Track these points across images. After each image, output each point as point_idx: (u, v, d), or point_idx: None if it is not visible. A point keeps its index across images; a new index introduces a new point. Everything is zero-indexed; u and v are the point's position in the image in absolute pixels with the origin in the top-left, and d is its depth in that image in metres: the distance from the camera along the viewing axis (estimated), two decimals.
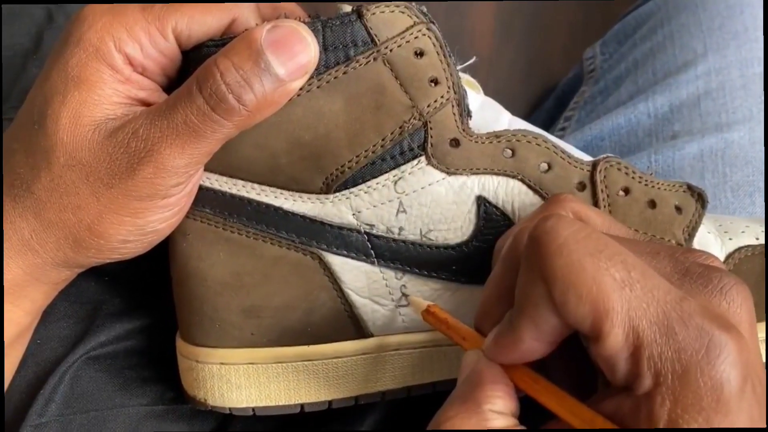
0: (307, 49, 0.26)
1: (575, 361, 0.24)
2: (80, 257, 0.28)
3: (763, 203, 0.37)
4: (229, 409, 0.30)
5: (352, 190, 0.29)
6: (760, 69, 0.42)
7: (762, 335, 0.30)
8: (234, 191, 0.29)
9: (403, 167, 0.29)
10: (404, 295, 0.30)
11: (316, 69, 0.27)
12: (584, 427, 0.21)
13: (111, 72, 0.26)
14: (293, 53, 0.26)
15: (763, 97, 0.40)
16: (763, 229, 0.31)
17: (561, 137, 0.40)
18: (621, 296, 0.20)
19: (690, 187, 0.30)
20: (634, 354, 0.20)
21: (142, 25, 0.27)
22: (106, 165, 0.26)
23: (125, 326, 0.33)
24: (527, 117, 0.54)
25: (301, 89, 0.27)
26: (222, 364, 0.30)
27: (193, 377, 0.30)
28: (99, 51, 0.26)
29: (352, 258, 0.29)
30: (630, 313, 0.20)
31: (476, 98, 0.31)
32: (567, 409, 0.22)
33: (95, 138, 0.26)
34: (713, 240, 0.31)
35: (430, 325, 0.28)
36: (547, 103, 0.59)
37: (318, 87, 0.28)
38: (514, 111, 0.32)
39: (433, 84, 0.28)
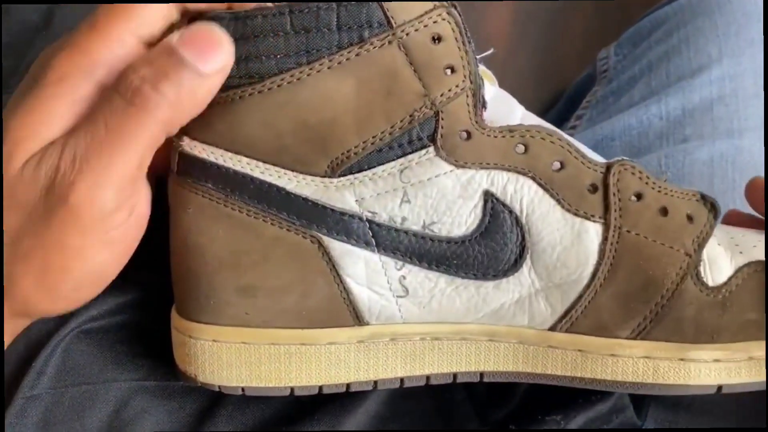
0: (221, 46, 0.25)
1: None
2: (33, 311, 0.27)
3: None
4: (219, 386, 0.30)
5: (357, 175, 0.28)
6: None
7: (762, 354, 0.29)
8: (238, 168, 0.28)
9: (410, 156, 0.28)
10: (403, 286, 0.29)
11: (328, 49, 0.27)
12: None
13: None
14: (207, 49, 0.25)
15: None
16: None
17: (571, 135, 0.40)
18: None
19: (703, 197, 0.30)
20: None
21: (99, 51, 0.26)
22: (42, 203, 0.25)
23: (117, 300, 0.33)
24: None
25: (311, 69, 0.27)
26: (214, 341, 0.29)
27: (185, 352, 0.30)
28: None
29: (352, 245, 0.28)
30: None
31: (490, 90, 0.30)
32: None
33: (27, 173, 0.25)
34: (723, 252, 0.30)
35: None
36: (558, 104, 0.58)
37: (329, 68, 0.27)
38: None
39: (449, 72, 0.27)
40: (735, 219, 0.33)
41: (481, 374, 0.31)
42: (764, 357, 0.29)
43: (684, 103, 0.42)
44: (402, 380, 0.30)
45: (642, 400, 0.35)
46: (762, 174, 0.36)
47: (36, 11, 0.40)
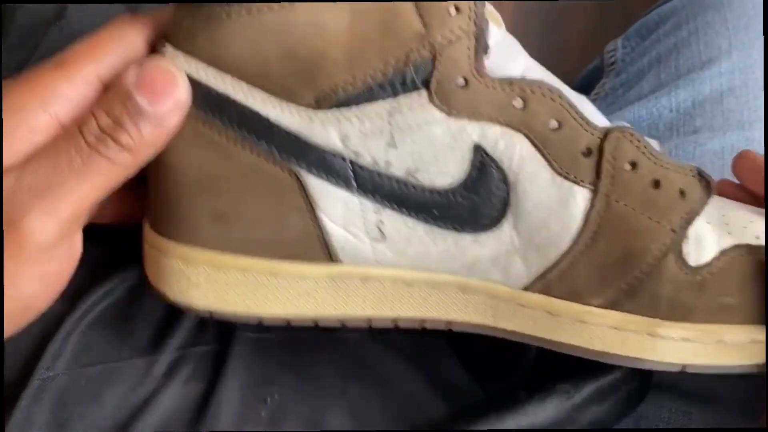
0: (176, 86, 0.26)
1: None
2: None
3: None
4: (187, 307, 0.30)
5: (343, 110, 0.27)
6: None
7: (761, 337, 0.29)
8: (221, 89, 0.27)
9: (401, 99, 0.26)
10: (380, 230, 0.28)
11: None
12: None
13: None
14: (161, 90, 0.26)
15: None
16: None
17: None
18: None
19: (700, 173, 0.28)
20: None
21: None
22: None
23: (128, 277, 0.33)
24: None
25: None
26: (184, 260, 0.29)
27: (156, 268, 0.30)
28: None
29: (332, 184, 0.28)
30: None
31: (495, 33, 0.28)
32: None
33: None
34: (710, 232, 0.29)
35: None
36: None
37: None
38: None
39: (453, 11, 0.26)
40: (726, 189, 0.32)
41: (449, 323, 0.31)
42: (734, 342, 0.29)
43: (694, 95, 0.42)
44: (370, 321, 0.30)
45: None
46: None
47: (50, 6, 0.39)
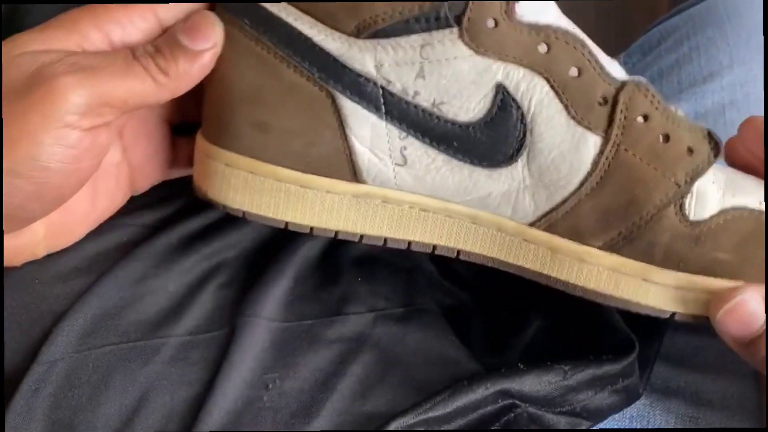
0: (214, 31, 0.30)
1: None
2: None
3: None
4: (224, 206, 0.33)
5: (380, 41, 0.29)
6: None
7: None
8: (274, 11, 0.30)
9: (434, 34, 0.29)
10: (403, 156, 0.31)
11: None
12: None
13: None
14: (201, 33, 0.30)
15: None
16: None
17: None
18: None
19: (710, 134, 0.30)
20: None
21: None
22: (25, 82, 0.27)
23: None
24: None
25: None
26: (227, 165, 0.32)
27: (202, 169, 0.33)
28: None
29: (363, 107, 0.30)
30: None
31: None
32: None
33: (23, 60, 0.28)
34: (714, 190, 0.30)
35: None
36: None
37: None
38: None
39: None
40: (736, 153, 0.33)
41: (458, 252, 0.33)
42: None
43: (697, 108, 0.43)
44: (385, 240, 0.33)
45: (644, 370, 0.36)
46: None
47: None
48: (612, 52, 0.51)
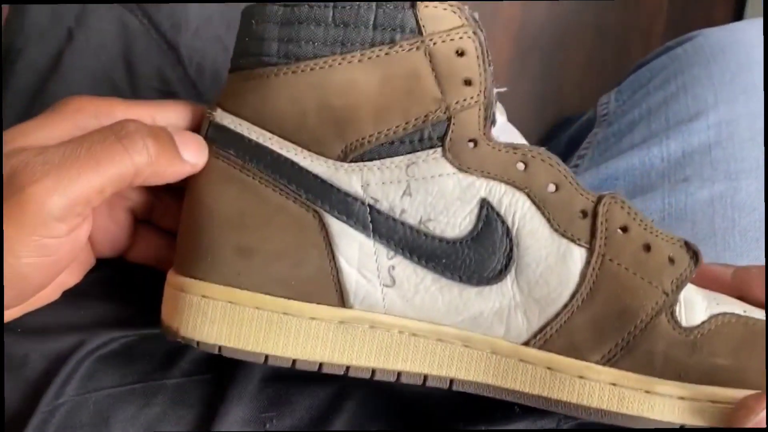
0: (202, 149, 0.31)
1: None
2: None
3: None
4: (198, 342, 0.31)
5: (367, 163, 0.30)
6: None
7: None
8: (260, 141, 0.31)
9: (419, 153, 0.30)
10: (391, 276, 0.30)
11: (361, 44, 0.30)
12: None
13: None
14: (191, 144, 0.31)
15: None
16: (753, 308, 0.32)
17: (575, 174, 0.42)
18: None
19: (687, 244, 0.31)
20: None
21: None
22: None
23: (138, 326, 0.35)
24: None
25: (343, 59, 0.29)
26: (203, 296, 0.31)
27: (173, 306, 0.31)
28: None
29: (351, 226, 0.30)
30: None
31: (499, 119, 0.32)
32: None
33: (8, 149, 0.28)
34: (700, 299, 0.31)
35: None
36: (559, 140, 0.62)
37: (359, 61, 0.30)
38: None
39: (466, 84, 0.30)
40: (707, 274, 0.34)
41: (451, 381, 0.31)
42: (727, 404, 0.29)
43: (684, 146, 0.45)
44: (373, 372, 0.31)
45: None
46: (758, 211, 0.39)
47: (44, 56, 0.44)
48: (609, 71, 0.53)
